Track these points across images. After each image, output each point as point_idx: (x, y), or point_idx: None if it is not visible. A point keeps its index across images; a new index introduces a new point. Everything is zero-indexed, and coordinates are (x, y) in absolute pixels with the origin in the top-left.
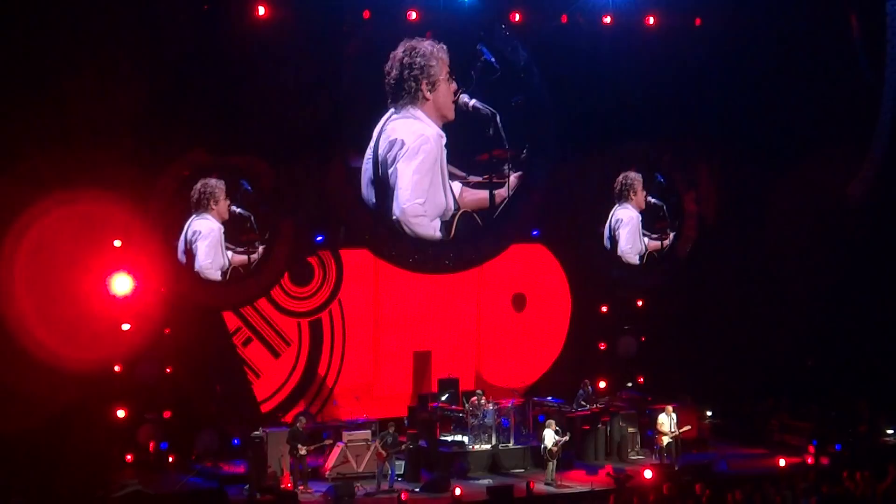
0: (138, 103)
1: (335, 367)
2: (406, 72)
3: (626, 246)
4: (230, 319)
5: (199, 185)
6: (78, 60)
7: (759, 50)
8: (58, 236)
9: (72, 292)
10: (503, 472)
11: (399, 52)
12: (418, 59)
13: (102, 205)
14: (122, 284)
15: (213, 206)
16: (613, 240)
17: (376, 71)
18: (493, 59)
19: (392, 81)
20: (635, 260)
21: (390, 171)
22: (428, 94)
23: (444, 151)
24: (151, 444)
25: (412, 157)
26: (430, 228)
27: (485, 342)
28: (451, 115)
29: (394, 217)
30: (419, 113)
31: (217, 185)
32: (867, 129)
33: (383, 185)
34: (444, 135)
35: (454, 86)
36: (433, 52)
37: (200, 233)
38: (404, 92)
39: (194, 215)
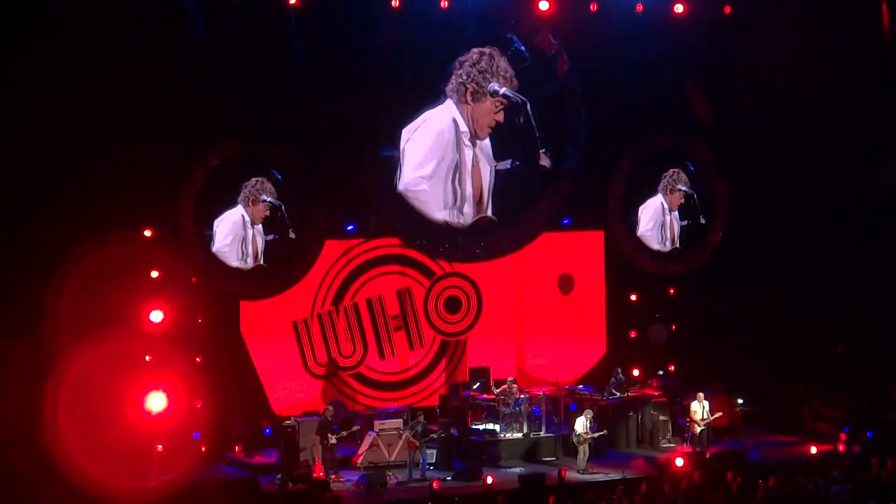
0: (170, 93)
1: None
2: (465, 70)
3: (646, 228)
4: (391, 305)
5: (252, 181)
6: (106, 55)
7: (788, 38)
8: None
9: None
10: (535, 461)
11: (475, 52)
12: (482, 66)
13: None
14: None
15: (251, 205)
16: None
17: (408, 59)
18: (523, 48)
19: (454, 71)
20: (658, 246)
21: (402, 149)
22: (469, 100)
23: (467, 147)
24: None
25: (419, 135)
26: (434, 207)
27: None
28: (482, 134)
29: (398, 189)
30: (451, 105)
31: (269, 188)
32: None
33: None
34: (466, 131)
35: (500, 116)
36: (498, 69)
37: (225, 218)
38: (456, 85)
39: (233, 206)
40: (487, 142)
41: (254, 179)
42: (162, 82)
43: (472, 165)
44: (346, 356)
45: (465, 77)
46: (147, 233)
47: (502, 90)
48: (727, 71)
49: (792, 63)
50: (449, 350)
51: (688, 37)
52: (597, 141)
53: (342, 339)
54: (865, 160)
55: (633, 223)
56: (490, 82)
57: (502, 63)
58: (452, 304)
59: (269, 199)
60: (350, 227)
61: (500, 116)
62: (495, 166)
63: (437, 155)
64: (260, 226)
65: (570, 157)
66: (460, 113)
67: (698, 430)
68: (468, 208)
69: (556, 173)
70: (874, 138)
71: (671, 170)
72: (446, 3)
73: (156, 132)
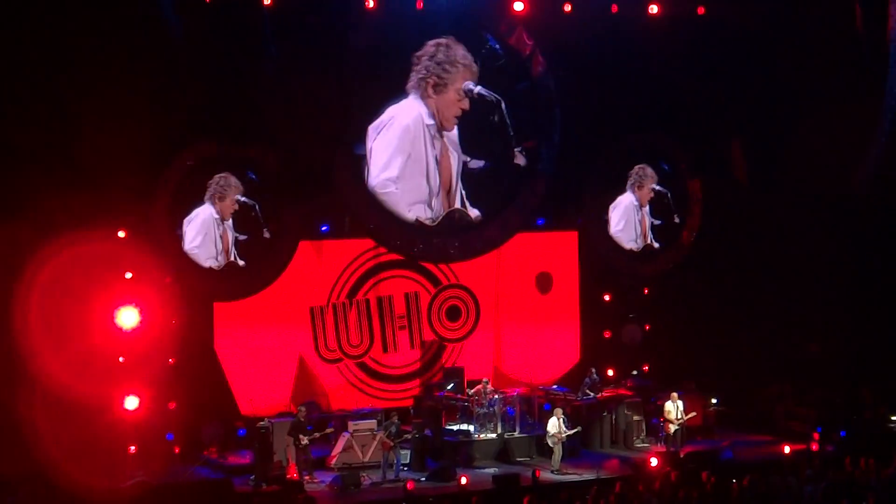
0: (143, 94)
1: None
2: (423, 64)
3: (618, 227)
4: (399, 304)
5: (216, 178)
6: (80, 54)
7: (762, 38)
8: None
9: (80, 326)
10: (509, 461)
11: (431, 45)
12: (439, 57)
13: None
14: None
15: (218, 202)
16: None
17: (383, 60)
18: (497, 46)
19: (413, 67)
20: (630, 245)
21: (369, 148)
22: (431, 93)
23: (434, 139)
24: (214, 449)
25: (385, 132)
26: (403, 207)
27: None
28: (448, 125)
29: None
30: (417, 99)
31: (233, 183)
32: (871, 117)
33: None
34: (433, 123)
35: (465, 104)
36: (457, 59)
37: (194, 217)
38: (416, 81)
39: (201, 205)
40: (455, 132)
41: (217, 176)
42: (136, 82)
43: (441, 156)
44: (353, 345)
45: (424, 72)
46: (121, 234)
47: (476, 89)
48: (701, 70)
49: (765, 61)
50: (446, 351)
51: (662, 37)
52: (571, 141)
53: (352, 329)
54: (841, 158)
55: (606, 222)
56: (449, 73)
57: (460, 51)
58: (453, 313)
59: (241, 198)
60: (324, 228)
61: (466, 104)
62: (467, 163)
63: (405, 152)
64: (230, 222)
65: (545, 158)
66: (425, 107)
67: (672, 429)
68: (436, 203)
69: (530, 173)
70: (849, 136)
71: (637, 166)
72: (421, 3)
73: (130, 132)
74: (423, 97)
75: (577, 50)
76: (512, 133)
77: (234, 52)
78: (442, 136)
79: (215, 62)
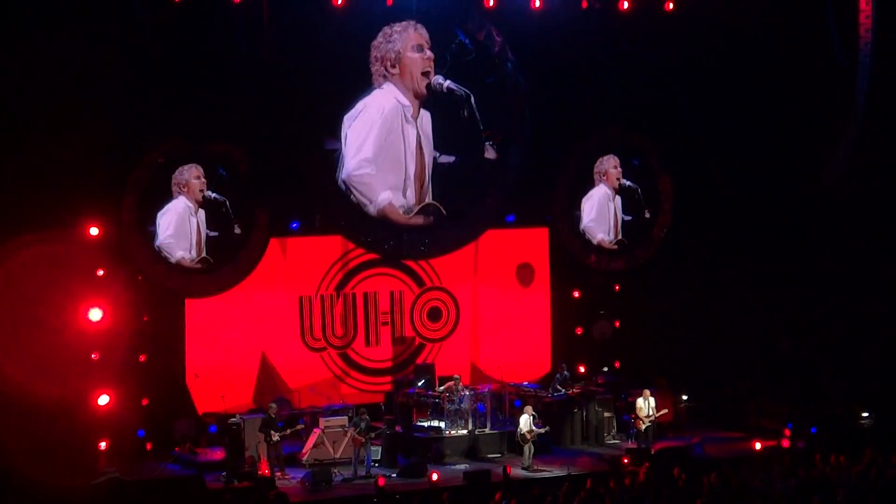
0: (112, 92)
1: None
2: (377, 51)
3: (589, 218)
4: (384, 301)
5: (178, 170)
6: (48, 52)
7: (731, 34)
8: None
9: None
10: (480, 458)
11: (383, 32)
12: (393, 38)
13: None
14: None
15: (183, 190)
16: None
17: (352, 55)
18: (467, 41)
19: (371, 64)
20: (602, 236)
21: (343, 135)
22: (392, 70)
23: (409, 125)
24: (187, 445)
25: (361, 117)
26: (378, 188)
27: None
28: (421, 88)
29: (340, 180)
30: (388, 86)
31: (188, 169)
32: (841, 114)
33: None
34: (409, 105)
35: (426, 55)
36: (398, 29)
37: (168, 209)
38: (377, 72)
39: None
40: (429, 128)
41: (179, 168)
42: (106, 79)
43: (416, 146)
44: (337, 336)
45: (379, 57)
46: (94, 230)
47: (446, 83)
48: (671, 66)
49: (735, 56)
50: (424, 350)
51: (632, 33)
52: (541, 138)
53: (337, 321)
54: (810, 154)
55: (577, 217)
56: (397, 42)
57: (412, 32)
58: (434, 314)
59: (212, 194)
60: (294, 225)
61: (428, 56)
62: (437, 158)
63: (381, 134)
64: (203, 216)
65: (514, 154)
66: (395, 88)
67: (643, 426)
68: (410, 193)
69: (500, 169)
70: (818, 131)
71: (600, 157)
72: (391, 0)
73: (100, 130)
74: (389, 78)
75: (547, 46)
76: (482, 127)
77: (203, 49)
78: (416, 125)
79: (185, 59)
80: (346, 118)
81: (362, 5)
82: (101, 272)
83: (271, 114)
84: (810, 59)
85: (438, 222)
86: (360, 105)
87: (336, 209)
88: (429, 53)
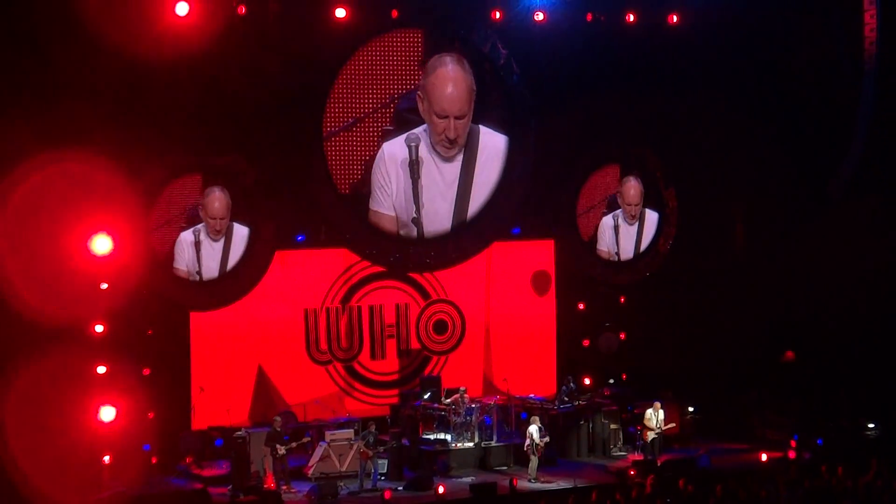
0: (118, 104)
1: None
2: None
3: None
4: (389, 314)
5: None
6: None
7: (736, 47)
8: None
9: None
10: (486, 470)
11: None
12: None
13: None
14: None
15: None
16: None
17: (358, 67)
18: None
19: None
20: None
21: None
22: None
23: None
24: (189, 458)
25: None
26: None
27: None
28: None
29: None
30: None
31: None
32: (847, 125)
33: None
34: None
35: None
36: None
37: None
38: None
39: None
40: None
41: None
42: (111, 94)
43: None
44: (343, 349)
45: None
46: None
47: None
48: (676, 79)
49: (740, 69)
50: (431, 362)
51: (637, 46)
52: (546, 150)
53: (343, 334)
54: (814, 165)
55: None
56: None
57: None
58: (440, 327)
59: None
60: (300, 238)
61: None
62: None
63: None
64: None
65: (521, 166)
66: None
67: (650, 437)
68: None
69: (505, 182)
70: (824, 143)
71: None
72: (396, 13)
73: (106, 141)
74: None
75: (552, 58)
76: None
77: (212, 59)
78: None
79: (191, 70)
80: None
81: (365, 16)
82: (104, 286)
83: (276, 125)
84: (815, 71)
85: (445, 235)
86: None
87: (340, 222)
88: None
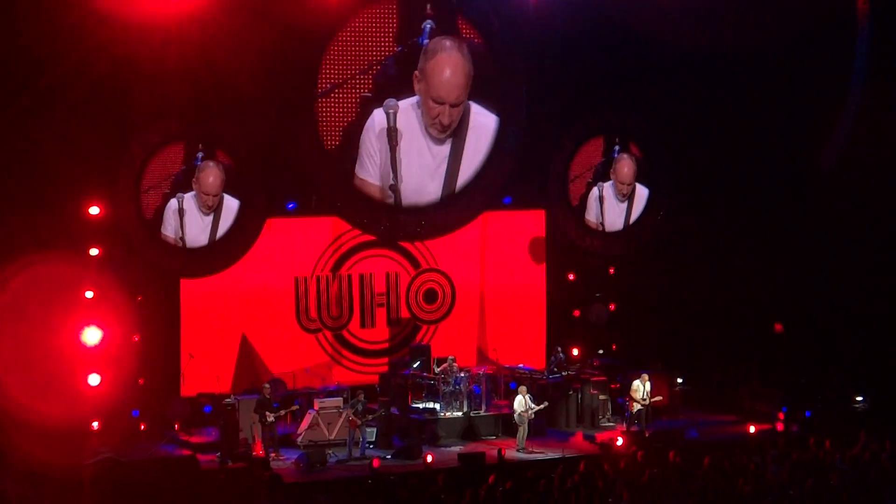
0: (106, 72)
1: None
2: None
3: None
4: (379, 282)
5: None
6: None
7: (726, 19)
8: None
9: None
10: (475, 439)
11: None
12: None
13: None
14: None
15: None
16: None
17: (350, 34)
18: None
19: None
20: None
21: None
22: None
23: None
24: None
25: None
26: None
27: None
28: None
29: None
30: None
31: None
32: (838, 96)
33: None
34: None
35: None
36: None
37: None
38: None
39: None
40: None
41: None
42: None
43: None
44: (333, 317)
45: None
46: (94, 210)
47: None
48: (668, 51)
49: (730, 40)
50: (421, 331)
51: (630, 18)
52: (538, 120)
53: (332, 302)
54: (807, 136)
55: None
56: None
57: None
58: (430, 296)
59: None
60: (290, 206)
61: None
62: None
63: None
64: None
65: (512, 137)
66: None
67: (636, 408)
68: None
69: (497, 152)
70: (815, 114)
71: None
72: None
73: (95, 108)
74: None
75: (545, 29)
76: None
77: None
78: None
79: (181, 37)
80: None
81: None
82: (95, 251)
83: (267, 93)
84: (806, 43)
85: (435, 204)
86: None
87: (332, 190)
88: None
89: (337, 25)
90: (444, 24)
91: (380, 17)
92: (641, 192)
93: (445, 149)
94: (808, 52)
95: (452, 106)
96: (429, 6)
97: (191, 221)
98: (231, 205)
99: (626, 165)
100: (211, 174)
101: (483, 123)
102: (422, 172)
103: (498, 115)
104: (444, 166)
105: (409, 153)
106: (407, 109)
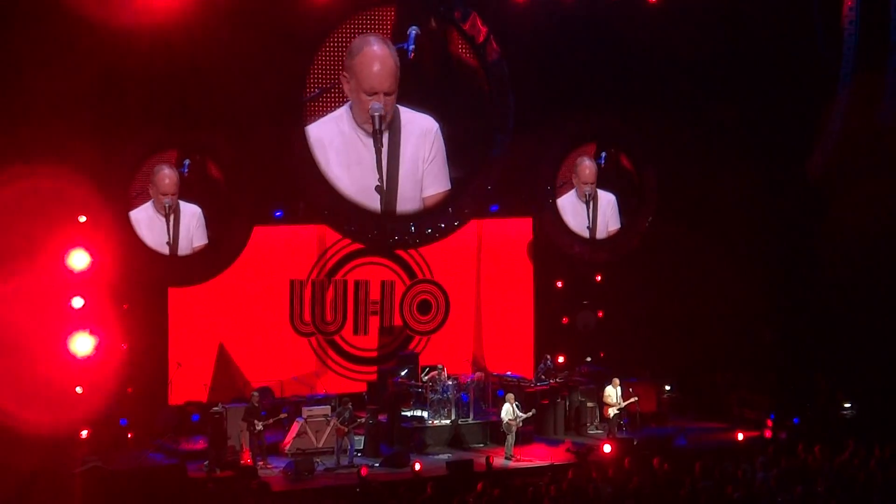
0: (94, 80)
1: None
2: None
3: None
4: (374, 290)
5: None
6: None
7: (715, 26)
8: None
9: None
10: (463, 447)
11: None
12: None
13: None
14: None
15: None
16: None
17: (337, 41)
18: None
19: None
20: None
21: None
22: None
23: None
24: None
25: None
26: None
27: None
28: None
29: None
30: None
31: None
32: (824, 106)
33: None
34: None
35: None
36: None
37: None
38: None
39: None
40: None
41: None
42: (87, 68)
43: None
44: (327, 322)
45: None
46: (82, 218)
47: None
48: (656, 57)
49: (719, 48)
50: (414, 340)
51: (617, 24)
52: (524, 127)
53: (327, 307)
54: (796, 144)
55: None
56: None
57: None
58: (424, 307)
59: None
60: (278, 214)
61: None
62: None
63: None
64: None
65: (499, 144)
66: None
67: (612, 413)
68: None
69: (484, 160)
70: (803, 123)
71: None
72: None
73: (81, 117)
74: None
75: (533, 35)
76: None
77: (188, 32)
78: None
79: (167, 44)
80: None
81: None
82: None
83: (252, 99)
84: (794, 50)
85: (423, 212)
86: None
87: (319, 197)
88: None
89: (326, 31)
90: (433, 32)
91: (371, 23)
92: (606, 198)
93: (381, 148)
94: (796, 57)
95: (386, 94)
96: (422, 14)
97: (150, 227)
98: (188, 210)
99: (587, 167)
100: (166, 177)
101: (415, 121)
102: (361, 171)
103: (434, 116)
104: (384, 164)
105: (348, 162)
106: (329, 122)
